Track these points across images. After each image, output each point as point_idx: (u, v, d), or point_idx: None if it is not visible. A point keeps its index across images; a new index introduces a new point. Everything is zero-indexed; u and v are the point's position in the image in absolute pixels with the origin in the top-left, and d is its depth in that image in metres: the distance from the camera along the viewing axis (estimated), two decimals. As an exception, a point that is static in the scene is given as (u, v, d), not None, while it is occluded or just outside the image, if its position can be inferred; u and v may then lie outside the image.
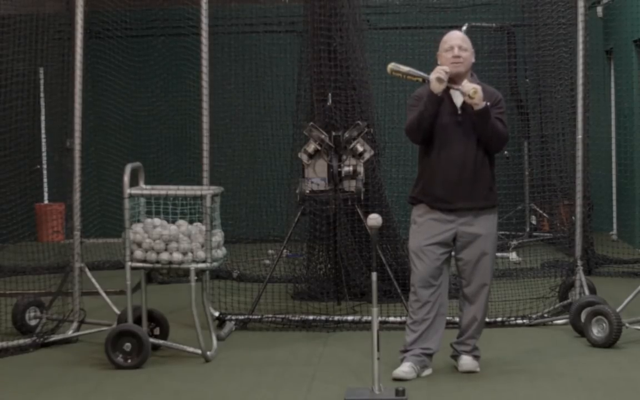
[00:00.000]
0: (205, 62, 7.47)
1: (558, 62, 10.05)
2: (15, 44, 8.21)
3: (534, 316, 7.50)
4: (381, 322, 6.03)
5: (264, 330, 7.44)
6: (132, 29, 12.11)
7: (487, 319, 6.46)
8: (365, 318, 7.37)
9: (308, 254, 8.86)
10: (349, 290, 8.28)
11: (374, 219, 5.45)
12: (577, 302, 7.11)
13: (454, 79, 5.83)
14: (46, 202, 13.11)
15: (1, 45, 8.03)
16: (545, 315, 7.51)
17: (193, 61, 9.25)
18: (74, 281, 7.19)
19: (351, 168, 7.87)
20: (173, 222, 6.49)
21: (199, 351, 6.45)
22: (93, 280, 7.34)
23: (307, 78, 8.65)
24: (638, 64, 11.21)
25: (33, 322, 7.21)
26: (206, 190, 6.54)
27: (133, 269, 6.40)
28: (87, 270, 7.29)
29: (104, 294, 7.31)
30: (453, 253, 5.99)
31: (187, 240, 6.39)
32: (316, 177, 7.91)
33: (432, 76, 5.77)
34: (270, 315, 7.55)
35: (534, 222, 12.14)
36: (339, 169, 7.85)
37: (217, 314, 7.54)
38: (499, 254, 8.95)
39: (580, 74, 7.55)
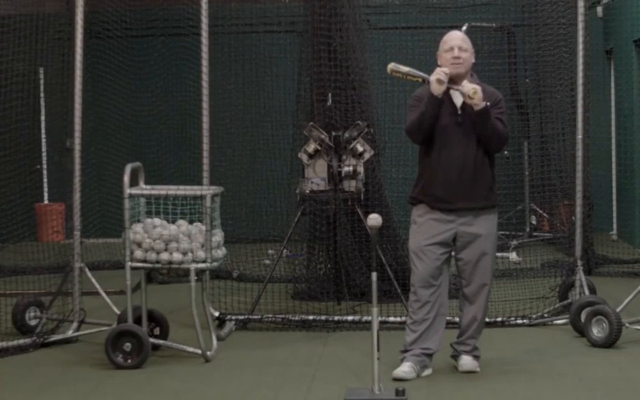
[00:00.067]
0: (205, 62, 7.47)
1: (558, 62, 10.05)
2: (15, 44, 8.22)
3: (534, 316, 7.50)
4: (381, 322, 6.03)
5: (264, 330, 7.43)
6: (132, 29, 12.11)
7: (487, 319, 6.47)
8: (365, 318, 7.37)
9: (308, 254, 8.86)
10: (349, 290, 8.28)
11: (374, 219, 5.45)
12: (577, 302, 7.11)
13: (454, 80, 5.83)
14: (46, 202, 13.11)
15: (1, 45, 8.03)
16: (545, 315, 7.51)
17: (193, 61, 9.25)
18: (74, 281, 7.19)
19: (351, 168, 7.87)
20: (173, 222, 6.49)
21: (199, 351, 6.45)
22: (93, 280, 7.34)
23: (307, 78, 8.65)
24: (638, 64, 11.22)
25: (33, 322, 7.21)
26: (206, 190, 6.53)
27: (133, 269, 6.40)
28: (87, 270, 7.29)
29: (104, 294, 7.31)
30: (453, 253, 5.99)
31: (187, 240, 6.39)
32: (316, 177, 7.91)
33: (432, 78, 5.77)
34: (270, 315, 7.55)
35: (534, 222, 12.14)
36: (339, 169, 7.85)
37: (217, 314, 7.54)
38: (499, 254, 8.95)
39: (580, 74, 7.55)
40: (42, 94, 11.25)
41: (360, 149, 7.88)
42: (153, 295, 7.15)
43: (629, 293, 7.06)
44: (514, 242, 11.22)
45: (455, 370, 6.07)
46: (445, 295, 5.97)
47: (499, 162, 6.83)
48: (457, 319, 6.17)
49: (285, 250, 8.54)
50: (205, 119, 7.47)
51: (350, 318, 7.49)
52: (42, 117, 11.77)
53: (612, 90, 12.36)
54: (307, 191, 7.93)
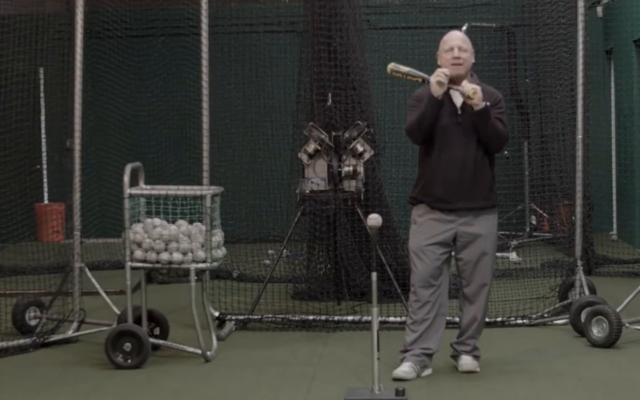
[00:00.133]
0: (205, 62, 7.47)
1: (558, 62, 10.05)
2: (15, 44, 8.22)
3: (534, 316, 7.50)
4: (381, 322, 6.03)
5: (264, 330, 7.43)
6: (132, 29, 12.11)
7: (487, 319, 6.47)
8: (365, 318, 7.37)
9: (308, 254, 8.86)
10: (349, 290, 8.28)
11: (374, 219, 5.45)
12: (577, 302, 7.11)
13: (454, 80, 5.83)
14: (46, 202, 13.11)
15: (1, 45, 8.03)
16: (545, 315, 7.51)
17: (193, 61, 9.25)
18: (74, 281, 7.19)
19: (351, 168, 7.87)
20: (173, 222, 6.49)
21: (199, 351, 6.45)
22: (93, 280, 7.34)
23: (307, 78, 8.65)
24: (638, 64, 11.22)
25: (33, 322, 7.21)
26: (206, 190, 6.53)
27: (133, 269, 6.40)
28: (87, 270, 7.29)
29: (104, 294, 7.31)
30: (453, 253, 5.99)
31: (187, 240, 6.38)
32: (316, 177, 7.91)
33: (432, 80, 5.77)
34: (270, 315, 7.55)
35: (534, 222, 12.14)
36: (339, 169, 7.85)
37: (217, 314, 7.54)
38: (499, 254, 8.95)
39: (580, 74, 7.55)
40: (42, 94, 11.25)
41: (360, 149, 7.88)
42: (153, 295, 7.15)
43: (629, 293, 7.06)
44: (514, 242, 11.22)
45: (455, 370, 6.07)
46: (445, 295, 5.97)
47: (499, 162, 6.83)
48: (457, 319, 6.17)
49: (285, 250, 8.54)
50: (205, 119, 7.47)
51: (350, 318, 7.49)
52: (42, 117, 11.77)
53: (612, 90, 12.36)
54: (307, 191, 7.93)
